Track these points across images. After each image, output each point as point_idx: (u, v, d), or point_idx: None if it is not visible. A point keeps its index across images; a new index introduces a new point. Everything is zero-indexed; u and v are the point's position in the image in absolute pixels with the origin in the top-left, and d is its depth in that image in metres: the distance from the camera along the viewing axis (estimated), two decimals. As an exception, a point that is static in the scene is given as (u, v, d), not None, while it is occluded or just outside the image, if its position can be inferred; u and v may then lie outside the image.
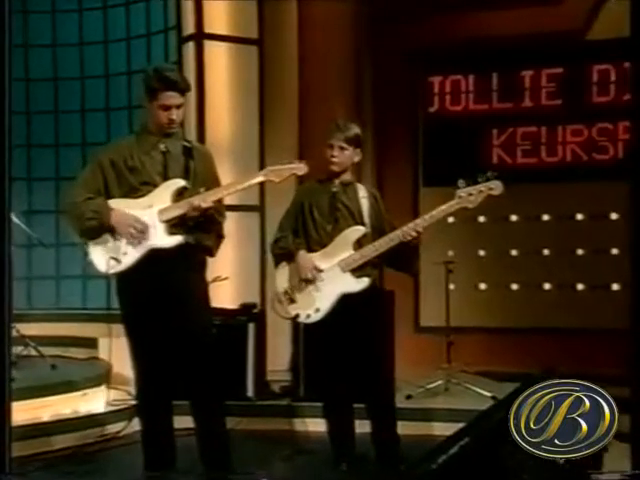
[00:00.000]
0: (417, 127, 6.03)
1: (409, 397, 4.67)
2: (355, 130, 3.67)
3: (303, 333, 4.01)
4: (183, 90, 3.27)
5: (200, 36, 5.44)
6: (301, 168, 3.37)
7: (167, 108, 3.23)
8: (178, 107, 3.24)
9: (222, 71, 5.48)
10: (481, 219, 5.93)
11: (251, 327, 4.66)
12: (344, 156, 3.65)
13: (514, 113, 5.82)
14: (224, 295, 4.95)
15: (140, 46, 5.93)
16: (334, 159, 3.64)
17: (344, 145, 3.63)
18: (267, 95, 5.55)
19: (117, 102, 6.07)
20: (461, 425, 2.48)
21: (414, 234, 3.55)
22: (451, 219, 5.28)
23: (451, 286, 5.16)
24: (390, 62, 5.92)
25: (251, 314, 4.76)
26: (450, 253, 5.77)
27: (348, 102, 5.67)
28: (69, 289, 6.11)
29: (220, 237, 3.41)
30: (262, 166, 5.50)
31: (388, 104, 5.92)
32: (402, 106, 5.96)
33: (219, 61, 5.46)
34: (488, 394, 4.54)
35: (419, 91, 6.00)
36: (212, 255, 3.40)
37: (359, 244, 3.64)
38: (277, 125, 5.58)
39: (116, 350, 3.82)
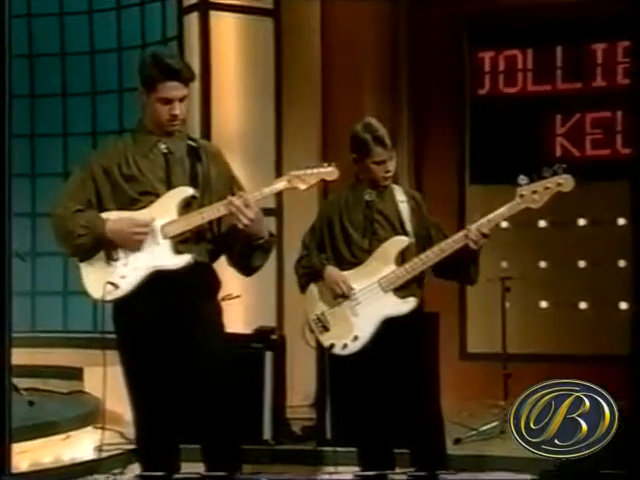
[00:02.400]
0: (463, 113, 6.04)
1: (458, 441, 4.67)
2: (384, 129, 3.72)
3: (331, 363, 4.06)
4: (187, 80, 3.24)
5: (205, 5, 5.47)
6: (331, 173, 3.37)
7: (168, 102, 3.20)
8: (181, 100, 3.21)
9: (231, 49, 5.52)
10: (542, 223, 5.94)
11: (268, 356, 4.71)
12: (394, 164, 3.72)
13: (582, 95, 5.82)
14: (235, 317, 4.99)
15: (132, 18, 6.00)
16: (389, 174, 3.70)
17: (393, 154, 3.70)
18: (285, 78, 5.58)
19: (102, 85, 6.18)
20: (522, 478, 2.57)
21: (479, 239, 3.56)
22: (504, 223, 5.28)
23: (505, 304, 5.20)
24: (431, 35, 5.93)
25: (268, 341, 4.81)
26: (504, 264, 5.78)
27: (380, 86, 5.72)
28: (47, 307, 6.20)
29: (269, 252, 3.38)
30: (279, 165, 5.60)
31: (428, 87, 5.95)
32: (445, 89, 5.97)
33: (227, 36, 5.50)
34: (554, 438, 4.58)
35: (466, 70, 6.01)
36: (250, 274, 3.39)
37: (402, 257, 3.67)
38: (297, 115, 5.62)
39: (107, 382, 3.87)
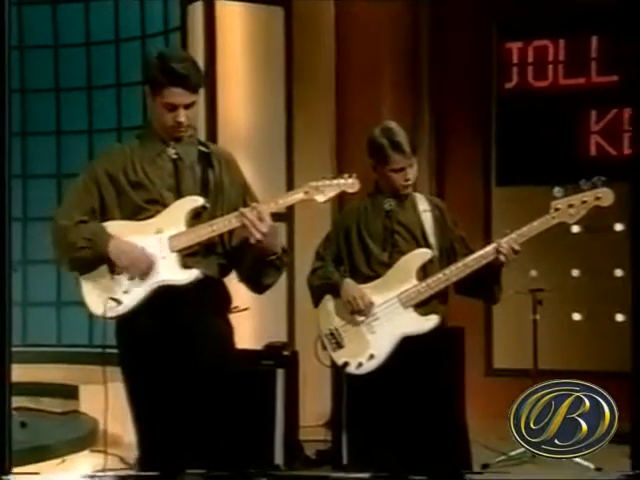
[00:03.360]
0: (489, 110, 6.07)
1: (486, 467, 4.72)
2: (405, 133, 3.74)
3: (347, 382, 4.11)
4: (195, 86, 3.25)
5: (211, -7, 5.51)
6: (352, 185, 3.40)
7: (173, 108, 3.23)
8: (187, 107, 3.24)
9: (238, 41, 5.56)
10: (575, 229, 5.97)
11: (280, 374, 4.77)
12: (415, 171, 3.75)
13: (619, 89, 5.80)
14: (243, 331, 5.00)
15: (131, 6, 6.07)
16: (409, 182, 3.73)
17: (412, 161, 3.72)
18: (296, 73, 5.61)
19: (99, 80, 6.26)
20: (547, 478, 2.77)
21: (509, 255, 3.60)
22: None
23: (531, 316, 5.24)
24: (454, 25, 5.97)
25: (279, 357, 4.86)
26: (533, 273, 5.80)
27: (399, 80, 5.74)
28: (39, 319, 6.27)
29: (282, 269, 3.41)
30: (290, 167, 5.64)
31: (451, 82, 5.98)
32: (469, 83, 6.00)
33: (234, 27, 5.54)
34: (591, 465, 4.55)
35: (492, 62, 6.04)
36: (262, 292, 3.44)
37: (424, 272, 3.71)
38: (309, 113, 5.66)
39: (104, 401, 3.93)
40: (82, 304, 3.29)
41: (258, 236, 3.22)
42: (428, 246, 3.74)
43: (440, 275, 3.67)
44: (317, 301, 3.82)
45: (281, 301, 5.63)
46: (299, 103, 5.68)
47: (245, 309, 4.99)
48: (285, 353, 4.95)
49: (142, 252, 3.23)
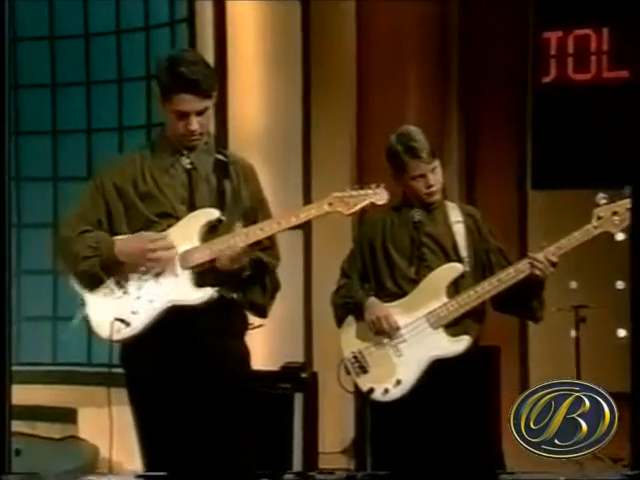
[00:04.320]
0: (524, 106, 6.07)
1: (522, 497, 4.79)
2: (425, 136, 3.76)
3: (372, 406, 4.15)
4: (206, 92, 3.27)
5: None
6: (380, 196, 3.40)
7: (184, 115, 3.26)
8: (200, 113, 3.27)
9: (251, 35, 5.62)
10: (620, 236, 5.98)
11: (298, 399, 4.82)
12: (439, 177, 3.76)
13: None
14: (256, 350, 5.07)
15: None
16: (433, 189, 3.74)
17: (435, 164, 3.74)
18: (314, 72, 5.64)
19: (99, 75, 6.31)
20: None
21: (547, 268, 3.63)
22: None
23: (572, 332, 5.27)
24: (487, 14, 5.95)
25: (297, 380, 4.89)
26: (573, 285, 5.81)
27: (426, 77, 5.75)
28: (33, 335, 6.27)
29: (275, 289, 3.48)
30: (307, 171, 5.67)
31: (483, 74, 5.98)
32: (503, 77, 6.00)
33: (247, 21, 5.60)
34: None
35: (529, 54, 6.04)
36: (264, 315, 3.48)
37: (455, 288, 3.74)
38: (328, 115, 5.69)
39: (105, 426, 3.98)
40: (91, 331, 3.34)
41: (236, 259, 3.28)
42: (459, 260, 3.76)
43: (472, 292, 3.69)
44: (340, 321, 3.84)
45: (297, 316, 5.66)
46: (317, 104, 5.71)
47: (259, 326, 5.04)
48: (303, 375, 4.98)
49: (153, 237, 3.26)
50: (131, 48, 6.19)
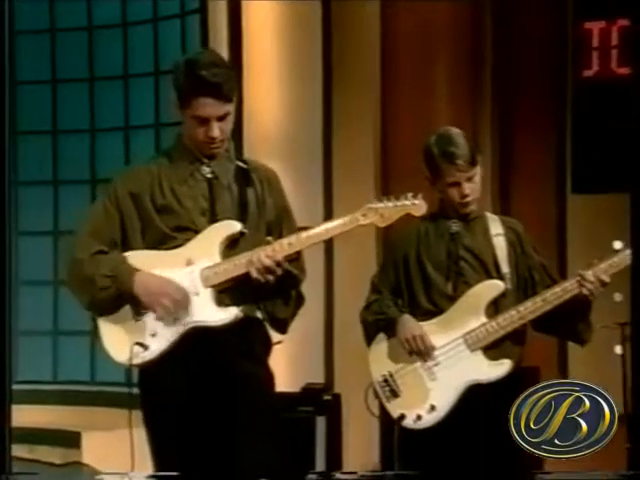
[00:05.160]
0: (564, 103, 6.05)
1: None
2: (468, 141, 3.76)
3: (401, 433, 4.18)
4: (228, 96, 3.28)
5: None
6: (419, 207, 3.43)
7: (204, 121, 3.26)
8: (221, 119, 3.28)
9: (268, 34, 5.64)
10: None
11: (320, 422, 4.87)
12: (476, 186, 3.76)
13: None
14: (276, 369, 5.14)
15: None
16: (467, 199, 3.72)
17: (472, 172, 3.73)
18: (336, 75, 5.67)
19: (103, 71, 6.36)
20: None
21: (597, 288, 3.64)
22: (618, 244, 5.35)
23: (618, 349, 5.29)
24: (522, 3, 5.95)
25: (319, 402, 4.94)
26: (617, 297, 5.82)
27: (456, 73, 5.75)
28: (33, 352, 6.28)
29: (299, 303, 3.49)
30: (327, 177, 5.69)
31: (518, 70, 5.98)
32: (540, 72, 5.99)
33: (264, 18, 5.62)
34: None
35: (568, 46, 6.01)
36: (284, 331, 3.49)
37: (495, 307, 3.75)
38: (349, 115, 5.71)
39: (111, 451, 3.99)
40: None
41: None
42: (500, 276, 3.76)
43: (513, 312, 3.70)
44: (370, 340, 3.84)
45: (318, 333, 5.68)
46: (338, 107, 5.74)
47: (278, 342, 5.06)
48: (326, 397, 5.03)
49: (175, 288, 3.26)
50: (138, 42, 6.21)
